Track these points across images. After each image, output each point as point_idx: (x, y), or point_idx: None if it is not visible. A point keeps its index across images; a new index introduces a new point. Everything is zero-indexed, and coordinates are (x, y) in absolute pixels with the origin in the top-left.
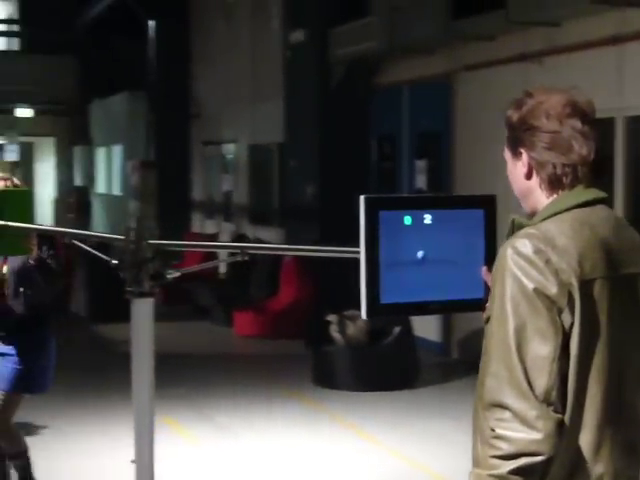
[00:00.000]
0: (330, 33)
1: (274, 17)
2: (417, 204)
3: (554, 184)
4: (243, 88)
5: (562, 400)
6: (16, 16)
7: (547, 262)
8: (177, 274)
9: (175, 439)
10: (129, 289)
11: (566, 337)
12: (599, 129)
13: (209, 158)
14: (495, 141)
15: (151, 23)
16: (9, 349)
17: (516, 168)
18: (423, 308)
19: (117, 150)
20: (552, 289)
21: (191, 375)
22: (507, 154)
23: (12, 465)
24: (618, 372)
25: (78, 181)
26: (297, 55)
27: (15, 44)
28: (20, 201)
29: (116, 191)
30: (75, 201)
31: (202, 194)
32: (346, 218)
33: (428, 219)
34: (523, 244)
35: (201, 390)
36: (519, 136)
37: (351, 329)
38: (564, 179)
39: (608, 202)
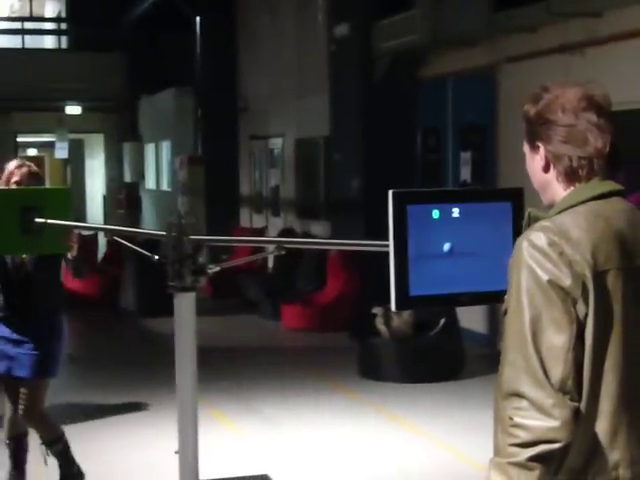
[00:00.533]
0: (374, 26)
1: (319, 11)
2: (445, 198)
3: (570, 177)
4: (289, 82)
5: (578, 389)
6: (64, 14)
7: (561, 254)
8: (217, 269)
9: (221, 431)
10: (171, 284)
11: (581, 327)
12: (614, 122)
13: (256, 153)
14: None
15: (197, 19)
16: (23, 336)
17: (534, 161)
18: (452, 300)
19: (165, 146)
20: (566, 280)
21: (238, 368)
22: (525, 147)
23: (50, 452)
24: (633, 360)
25: (128, 177)
26: (342, 48)
27: (63, 42)
28: (59, 199)
29: (165, 187)
30: (125, 197)
31: (250, 189)
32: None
33: (456, 212)
34: (538, 237)
35: (248, 383)
36: (536, 130)
37: (396, 321)
38: (580, 172)
39: (624, 194)
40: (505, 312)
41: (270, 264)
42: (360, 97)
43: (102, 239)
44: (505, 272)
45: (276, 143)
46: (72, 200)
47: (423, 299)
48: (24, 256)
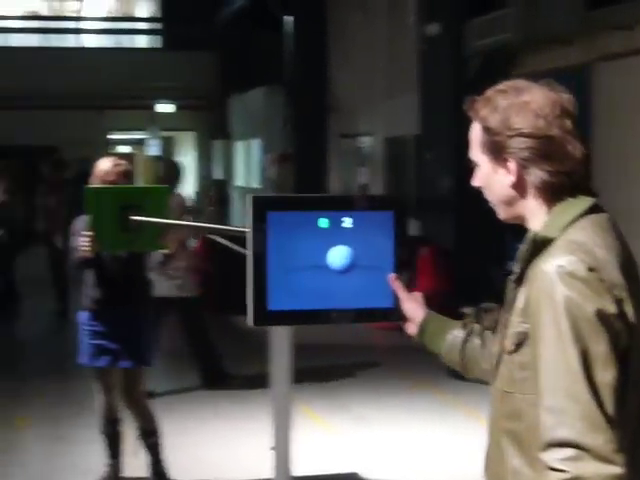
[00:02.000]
0: (466, 25)
1: (410, 10)
2: (311, 205)
3: (551, 192)
4: (379, 80)
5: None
6: (158, 14)
7: (601, 280)
8: None
9: (312, 427)
10: None
11: (625, 358)
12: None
13: (345, 151)
14: (634, 131)
15: (288, 18)
16: (121, 328)
17: (497, 175)
18: (321, 317)
19: (255, 144)
20: (611, 308)
21: (329, 366)
22: (481, 158)
23: (145, 444)
24: None
25: (218, 174)
26: (433, 47)
27: (157, 41)
28: (157, 198)
29: (255, 184)
30: (215, 194)
31: (338, 187)
32: (482, 211)
33: (324, 223)
34: (570, 262)
35: (339, 381)
36: (503, 142)
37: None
38: (562, 186)
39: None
40: (515, 349)
41: None
42: (451, 96)
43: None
44: (386, 287)
45: (365, 141)
46: (169, 198)
47: (285, 314)
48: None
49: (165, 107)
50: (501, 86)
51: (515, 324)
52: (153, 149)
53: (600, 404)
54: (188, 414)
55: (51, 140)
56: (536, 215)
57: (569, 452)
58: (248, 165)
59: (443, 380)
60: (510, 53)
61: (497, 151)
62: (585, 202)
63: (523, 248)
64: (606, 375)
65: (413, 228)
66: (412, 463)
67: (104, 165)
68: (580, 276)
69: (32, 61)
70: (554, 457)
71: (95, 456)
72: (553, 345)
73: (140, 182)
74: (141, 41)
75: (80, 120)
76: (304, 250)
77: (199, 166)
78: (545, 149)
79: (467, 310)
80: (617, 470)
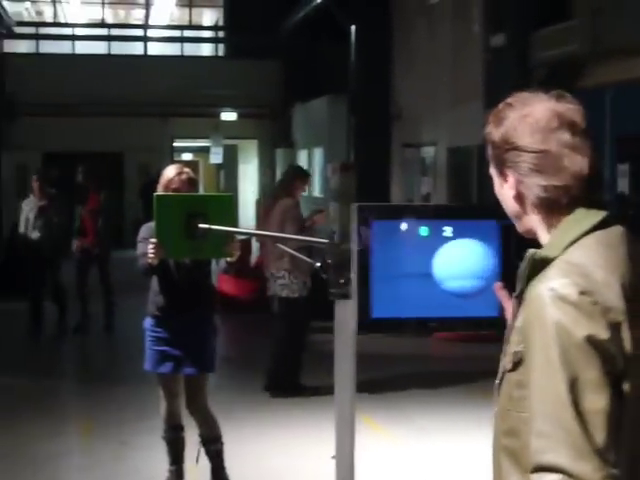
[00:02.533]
0: (531, 36)
1: (475, 20)
2: (415, 213)
3: (547, 207)
4: (443, 90)
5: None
6: (221, 22)
7: (594, 304)
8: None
9: (373, 437)
10: (332, 291)
11: (619, 383)
12: (592, 139)
13: (408, 160)
14: None
15: (353, 27)
16: (186, 335)
17: (503, 189)
18: (421, 325)
19: (318, 152)
20: (603, 334)
21: (390, 376)
22: (493, 172)
23: (206, 451)
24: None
25: None
26: (498, 58)
27: (220, 50)
28: (223, 206)
29: (317, 193)
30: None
31: (401, 196)
32: None
33: (425, 231)
34: (562, 285)
35: (400, 391)
36: (503, 156)
37: None
38: (558, 201)
39: (613, 218)
40: (513, 367)
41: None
42: None
43: (255, 243)
44: (491, 296)
45: (429, 151)
46: (234, 205)
47: (387, 322)
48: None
49: (228, 115)
50: (511, 99)
51: (514, 343)
52: (216, 157)
53: (587, 432)
54: (247, 421)
55: (116, 147)
56: (540, 231)
57: (553, 477)
58: (311, 174)
59: None
60: (576, 64)
61: (500, 165)
62: (592, 218)
63: (522, 266)
64: (597, 402)
65: None
66: (472, 475)
67: (168, 173)
68: (571, 300)
69: (98, 69)
70: None
71: (158, 462)
72: (542, 370)
73: (202, 189)
74: (206, 49)
75: (145, 127)
76: (407, 258)
77: (261, 174)
78: (539, 163)
79: None
80: None
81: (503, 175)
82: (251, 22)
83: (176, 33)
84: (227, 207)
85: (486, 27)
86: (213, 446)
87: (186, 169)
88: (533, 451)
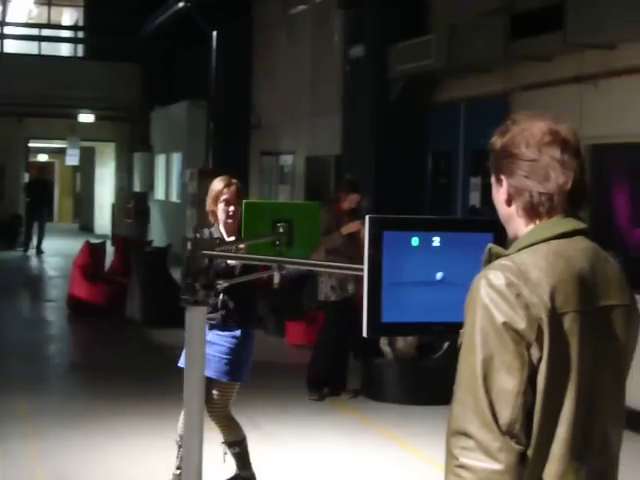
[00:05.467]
0: (390, 49)
1: (335, 31)
2: (425, 226)
3: (530, 212)
4: (302, 100)
5: (527, 433)
6: (81, 23)
7: (518, 296)
8: (226, 284)
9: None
10: (183, 297)
11: (534, 371)
12: (581, 159)
13: (267, 168)
14: None
15: (214, 33)
16: (219, 339)
17: (498, 194)
18: (425, 329)
19: (176, 157)
20: (521, 324)
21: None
22: (492, 179)
23: (229, 452)
24: (589, 404)
25: (137, 187)
26: (356, 69)
27: (79, 50)
28: (309, 214)
29: (174, 198)
30: (133, 207)
31: None
32: None
33: (437, 241)
34: (496, 276)
35: (250, 397)
36: (500, 163)
37: (401, 343)
38: (540, 208)
39: (588, 233)
40: (460, 347)
41: (276, 280)
42: (373, 118)
43: (109, 247)
44: None
45: (287, 160)
46: (319, 214)
47: (395, 326)
48: (234, 263)
49: (86, 117)
50: (517, 116)
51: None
52: (72, 159)
53: (494, 406)
54: (99, 428)
55: None
56: (520, 234)
57: (465, 442)
58: (168, 179)
59: (356, 399)
60: (431, 79)
61: (496, 171)
62: (556, 227)
63: (484, 261)
64: (507, 382)
65: None
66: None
67: (217, 185)
68: (497, 288)
69: None
70: (454, 444)
71: None
72: (467, 347)
73: (57, 191)
74: (64, 49)
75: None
76: (410, 267)
77: (118, 178)
78: (529, 170)
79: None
80: (498, 467)
81: (499, 180)
82: (111, 24)
83: (34, 31)
84: (313, 215)
85: (346, 38)
86: (234, 449)
87: (233, 180)
88: (453, 415)
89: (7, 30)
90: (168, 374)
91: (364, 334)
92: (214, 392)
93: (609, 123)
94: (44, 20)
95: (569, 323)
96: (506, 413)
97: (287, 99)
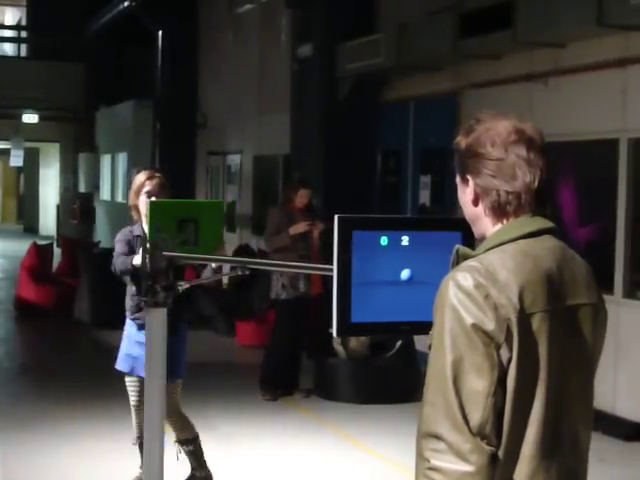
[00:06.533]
0: (338, 48)
1: (282, 30)
2: (394, 225)
3: (498, 212)
4: (249, 99)
5: (498, 434)
6: (24, 22)
7: (486, 297)
8: (187, 286)
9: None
10: (144, 299)
11: (503, 372)
12: (547, 157)
13: (214, 168)
14: None
15: (159, 33)
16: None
17: (465, 194)
18: (394, 328)
19: (122, 157)
20: (490, 325)
21: (193, 383)
22: (457, 179)
23: (183, 450)
24: (558, 404)
25: (82, 187)
26: (305, 68)
27: (23, 50)
28: (214, 212)
29: (120, 198)
30: (79, 207)
31: None
32: None
33: (405, 240)
34: (464, 277)
35: (204, 398)
36: (466, 162)
37: (353, 342)
38: (508, 207)
39: (556, 231)
40: (430, 347)
41: (225, 280)
42: (322, 117)
43: (56, 249)
44: None
45: (234, 159)
46: (224, 212)
47: (364, 326)
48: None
49: (30, 117)
50: (481, 115)
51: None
52: (16, 159)
53: (464, 408)
54: (49, 431)
55: None
56: (488, 233)
57: (436, 444)
58: (114, 179)
59: (309, 398)
60: (381, 77)
61: (462, 171)
62: (524, 226)
63: (451, 262)
64: (477, 383)
65: None
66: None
67: (140, 177)
68: (466, 290)
69: None
70: (425, 446)
71: None
72: (436, 349)
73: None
74: (7, 49)
75: None
76: (379, 267)
77: (63, 178)
78: (496, 170)
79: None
80: (469, 468)
81: (464, 180)
82: (55, 23)
83: None
84: (218, 213)
85: (293, 37)
86: (187, 447)
87: (157, 173)
88: (423, 417)
89: None
90: (118, 375)
91: (334, 334)
92: (167, 393)
93: (558, 121)
94: None
95: (538, 323)
96: (477, 415)
97: (234, 98)
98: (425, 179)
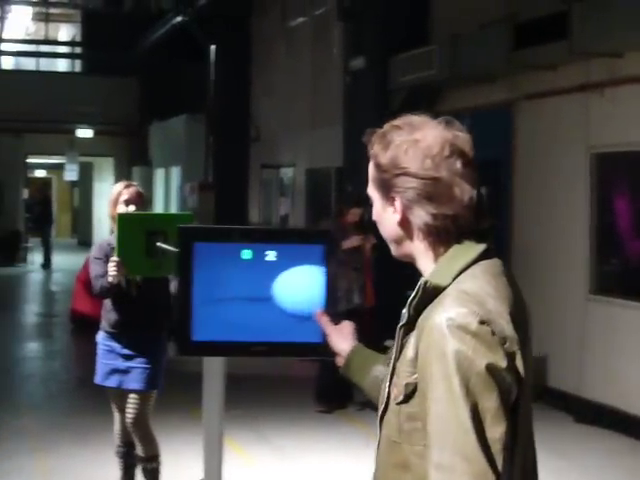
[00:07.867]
0: (391, 60)
1: (335, 43)
2: (239, 237)
3: (436, 235)
4: (302, 112)
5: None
6: (78, 38)
7: (493, 334)
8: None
9: (233, 459)
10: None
11: (513, 410)
12: (477, 169)
13: (267, 181)
14: (554, 171)
15: (212, 47)
16: (135, 351)
17: (386, 212)
18: (244, 349)
19: (175, 171)
20: (502, 363)
21: (248, 396)
22: (373, 192)
23: (141, 468)
24: (528, 437)
25: None
26: (357, 81)
27: (77, 66)
28: (183, 224)
29: (174, 212)
30: None
31: (259, 217)
32: None
33: (272, 255)
34: (461, 315)
35: (259, 411)
36: (391, 180)
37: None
38: (448, 230)
39: (495, 250)
40: (405, 399)
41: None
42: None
43: None
44: (313, 323)
45: (287, 172)
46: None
47: (209, 345)
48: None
49: (84, 132)
50: (397, 121)
51: (404, 374)
52: (71, 174)
53: (491, 461)
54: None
55: None
56: (423, 258)
57: None
58: (167, 193)
59: (360, 413)
60: (434, 89)
61: (385, 189)
62: (476, 248)
63: (414, 295)
64: (496, 431)
65: None
66: None
67: (118, 187)
68: (471, 330)
69: None
70: None
71: None
72: (444, 400)
73: (56, 206)
74: (62, 65)
75: None
76: (229, 282)
77: None
78: (430, 191)
79: (389, 343)
80: None
81: (389, 199)
82: (109, 39)
83: (31, 48)
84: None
85: (346, 50)
86: (151, 464)
87: (134, 182)
88: None
89: (4, 47)
90: (171, 388)
91: (173, 354)
92: (137, 403)
93: (614, 132)
94: (41, 36)
95: (521, 352)
96: (500, 465)
97: (287, 112)
98: (482, 191)
